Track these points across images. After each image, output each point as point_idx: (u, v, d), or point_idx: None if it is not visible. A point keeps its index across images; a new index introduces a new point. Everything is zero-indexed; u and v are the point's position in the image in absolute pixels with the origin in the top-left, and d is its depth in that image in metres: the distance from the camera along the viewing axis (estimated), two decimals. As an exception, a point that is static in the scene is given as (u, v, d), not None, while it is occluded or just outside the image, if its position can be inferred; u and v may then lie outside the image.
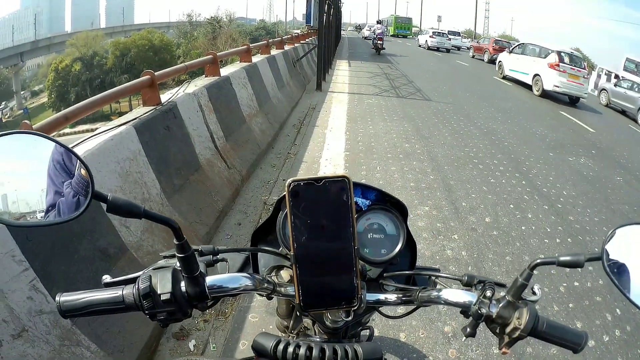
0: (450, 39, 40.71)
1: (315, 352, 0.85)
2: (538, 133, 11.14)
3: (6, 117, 49.57)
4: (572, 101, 17.61)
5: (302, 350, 0.85)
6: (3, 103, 50.32)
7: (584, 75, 17.28)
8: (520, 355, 3.32)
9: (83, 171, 0.83)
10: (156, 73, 4.75)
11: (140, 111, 4.39)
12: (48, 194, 0.81)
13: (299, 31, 26.68)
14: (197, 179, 4.77)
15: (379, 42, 29.44)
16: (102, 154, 3.33)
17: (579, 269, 4.45)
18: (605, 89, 21.30)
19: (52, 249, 2.60)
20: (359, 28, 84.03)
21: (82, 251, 2.83)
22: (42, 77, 56.28)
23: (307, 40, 19.36)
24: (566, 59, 17.39)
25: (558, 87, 17.00)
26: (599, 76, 26.49)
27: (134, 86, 4.60)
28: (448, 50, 39.46)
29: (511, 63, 21.18)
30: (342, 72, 19.52)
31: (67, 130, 31.42)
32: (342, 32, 48.54)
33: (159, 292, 0.88)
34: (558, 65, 17.03)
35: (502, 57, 22.83)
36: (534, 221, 5.73)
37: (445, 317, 3.62)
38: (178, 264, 0.92)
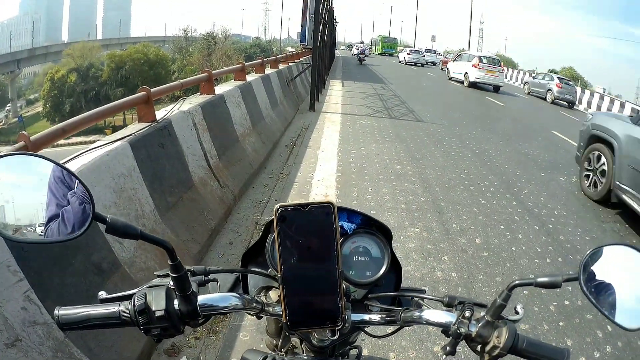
0: (424, 56, 51.93)
1: None
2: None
3: (1, 124, 49.49)
4: (495, 89, 26.48)
5: None
6: (4, 110, 50.26)
7: (499, 71, 26.49)
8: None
9: (82, 191, 0.88)
10: (152, 90, 4.79)
11: (136, 127, 4.42)
12: (49, 212, 0.86)
13: (293, 50, 26.89)
14: (190, 197, 4.80)
15: (361, 55, 41.80)
16: (97, 169, 3.36)
17: (569, 288, 4.51)
18: (527, 82, 31.92)
19: (47, 262, 2.63)
20: (350, 47, 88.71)
21: (77, 265, 2.86)
22: (37, 86, 56.41)
23: (301, 59, 19.51)
24: (484, 60, 26.57)
25: (478, 79, 26.21)
26: (601, 98, 27.60)
27: (130, 102, 4.64)
28: (423, 65, 49.16)
29: (453, 68, 30.77)
30: (335, 92, 19.69)
31: (62, 141, 31.27)
32: (336, 52, 48.87)
33: (153, 309, 0.93)
34: (478, 65, 26.12)
35: (449, 65, 32.95)
36: (524, 241, 5.79)
37: (434, 337, 3.64)
38: (171, 283, 0.97)
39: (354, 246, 1.24)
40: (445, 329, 1.01)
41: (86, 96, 49.27)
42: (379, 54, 70.01)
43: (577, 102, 27.62)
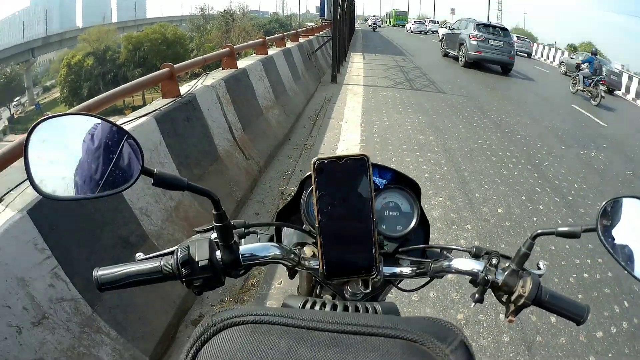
0: (427, 26, 60.91)
1: (339, 309, 0.90)
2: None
3: (18, 112, 49.86)
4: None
5: (327, 308, 0.91)
6: (16, 99, 50.54)
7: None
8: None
9: (132, 145, 0.89)
10: (175, 65, 4.82)
11: (160, 103, 4.47)
12: (99, 169, 0.87)
13: (313, 24, 26.66)
14: (216, 169, 4.84)
15: (374, 25, 56.68)
16: (123, 145, 3.39)
17: (588, 261, 4.51)
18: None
19: (74, 238, 2.65)
20: (366, 20, 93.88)
21: (104, 240, 2.90)
22: (54, 72, 56.26)
23: (321, 33, 19.35)
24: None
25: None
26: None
27: (153, 78, 4.68)
28: (425, 33, 57.18)
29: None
30: (356, 64, 19.53)
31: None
32: (356, 25, 48.82)
33: (196, 259, 0.94)
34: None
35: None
36: (545, 212, 5.79)
37: (458, 305, 3.69)
38: (213, 236, 1.00)
39: (385, 201, 1.27)
40: (473, 277, 1.04)
41: (104, 79, 49.14)
42: (392, 25, 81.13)
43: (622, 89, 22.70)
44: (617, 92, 22.00)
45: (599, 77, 16.61)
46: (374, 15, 67.96)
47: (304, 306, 0.93)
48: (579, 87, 17.60)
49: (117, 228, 3.06)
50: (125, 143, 0.89)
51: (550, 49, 36.15)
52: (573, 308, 0.98)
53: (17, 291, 2.16)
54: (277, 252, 1.06)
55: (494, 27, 21.67)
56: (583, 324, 0.99)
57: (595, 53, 18.60)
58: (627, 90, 22.75)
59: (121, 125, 0.89)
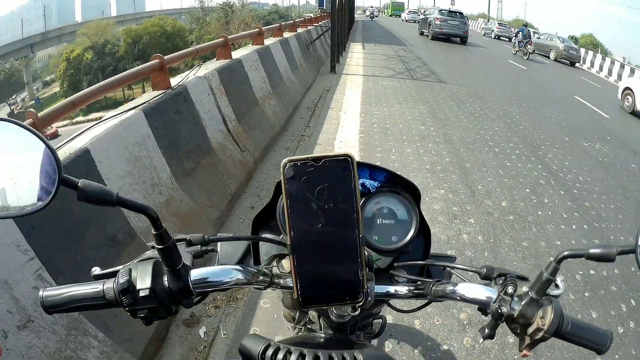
0: (420, 15, 57.99)
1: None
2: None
3: (17, 108, 49.82)
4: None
5: (292, 358, 0.75)
6: (13, 97, 50.49)
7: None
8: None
9: (48, 154, 0.72)
10: (165, 57, 4.67)
11: (150, 95, 4.32)
12: (13, 183, 0.72)
13: (312, 14, 26.55)
14: (208, 163, 4.71)
15: (371, 15, 62.14)
16: (110, 139, 3.27)
17: None
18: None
19: (59, 238, 2.55)
20: (364, 11, 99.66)
21: (90, 238, 2.78)
22: (53, 67, 56.27)
23: (320, 23, 19.19)
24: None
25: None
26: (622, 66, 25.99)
27: (143, 70, 4.53)
28: (418, 22, 58.68)
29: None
30: (356, 54, 19.37)
31: (80, 118, 31.60)
32: (356, 16, 48.90)
33: (138, 287, 0.79)
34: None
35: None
36: (550, 206, 5.65)
37: (460, 304, 3.52)
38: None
39: (378, 207, 1.11)
40: (482, 306, 0.86)
41: (104, 72, 48.98)
42: (389, 16, 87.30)
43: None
44: (578, 65, 28.83)
45: (526, 40, 25.74)
46: (372, 6, 75.36)
47: (263, 354, 0.77)
48: (516, 49, 26.72)
49: (104, 226, 2.94)
50: (41, 151, 0.72)
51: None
52: (595, 337, 0.80)
53: (1, 294, 2.08)
54: (240, 276, 0.89)
55: (452, 12, 29.90)
56: (605, 353, 0.81)
57: (525, 25, 28.89)
58: (590, 63, 29.25)
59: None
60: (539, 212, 5.39)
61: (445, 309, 3.48)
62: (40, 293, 0.81)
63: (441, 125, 8.60)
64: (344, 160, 0.77)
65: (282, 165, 0.76)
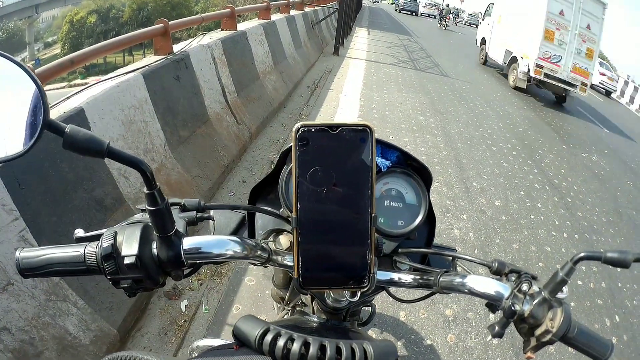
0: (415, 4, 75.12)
1: (312, 350, 0.67)
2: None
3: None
4: (415, 14, 45.93)
5: (295, 346, 0.67)
6: (12, 55, 50.40)
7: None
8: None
9: (36, 94, 0.65)
10: (170, 22, 4.55)
11: (151, 59, 4.23)
12: None
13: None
14: (204, 132, 4.64)
15: (376, 1, 70.70)
16: (106, 100, 3.19)
17: (583, 267, 4.38)
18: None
19: (45, 198, 2.47)
20: None
21: (77, 201, 2.71)
22: (56, 29, 55.76)
23: (328, 4, 19.06)
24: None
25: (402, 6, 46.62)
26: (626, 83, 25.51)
27: (146, 34, 4.39)
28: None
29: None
30: (361, 39, 19.27)
31: (79, 81, 31.37)
32: (364, 2, 49.14)
33: (122, 253, 0.72)
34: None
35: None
36: (543, 211, 5.63)
37: (447, 299, 3.52)
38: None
39: (386, 188, 1.04)
40: (493, 302, 0.81)
41: (106, 37, 48.43)
42: (390, 3, 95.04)
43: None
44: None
45: (443, 16, 39.11)
46: None
47: (262, 339, 0.69)
48: (438, 23, 39.94)
49: (92, 189, 2.86)
50: (26, 88, 0.64)
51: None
52: (598, 345, 0.76)
53: (-18, 254, 2.01)
54: (237, 248, 0.81)
55: None
56: None
57: (448, 5, 41.94)
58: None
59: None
60: (532, 216, 5.41)
61: (432, 303, 3.45)
62: (17, 254, 0.74)
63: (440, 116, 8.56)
64: (363, 131, 0.70)
65: (294, 130, 0.69)
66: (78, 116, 2.85)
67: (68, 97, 3.04)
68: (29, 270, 0.74)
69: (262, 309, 3.08)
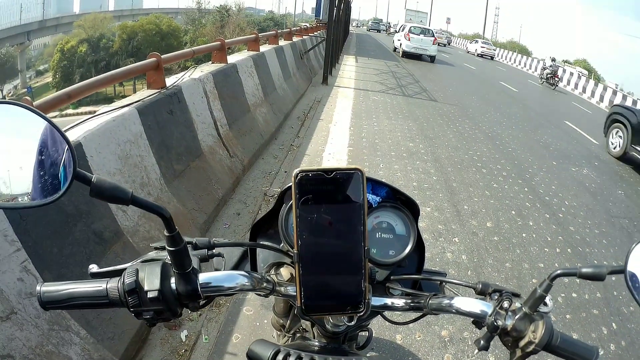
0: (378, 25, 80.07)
1: None
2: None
3: (9, 95, 49.33)
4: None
5: None
6: (5, 83, 50.13)
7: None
8: None
9: (64, 147, 0.73)
10: (163, 56, 4.66)
11: (144, 94, 4.30)
12: (28, 173, 0.72)
13: (307, 24, 26.66)
14: (198, 166, 4.70)
15: (357, 26, 71.25)
16: (102, 134, 3.25)
17: (577, 280, 4.41)
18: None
19: (46, 230, 2.52)
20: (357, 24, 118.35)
21: (77, 233, 2.75)
22: (47, 56, 55.81)
23: (315, 33, 19.27)
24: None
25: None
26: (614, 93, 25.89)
27: (139, 68, 4.50)
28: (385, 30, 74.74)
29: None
30: (349, 67, 19.50)
31: (70, 111, 31.33)
32: (351, 29, 49.38)
33: (145, 288, 0.80)
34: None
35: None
36: (535, 229, 5.69)
37: (442, 321, 3.56)
38: (169, 258, 0.83)
39: (377, 221, 1.12)
40: (478, 319, 0.90)
41: (96, 66, 48.74)
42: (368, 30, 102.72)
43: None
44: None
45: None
46: (356, 20, 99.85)
47: (273, 359, 0.78)
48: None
49: (91, 222, 2.90)
50: (57, 143, 0.73)
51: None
52: (583, 352, 0.83)
53: (-15, 284, 2.05)
54: (246, 281, 0.90)
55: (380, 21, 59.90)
56: None
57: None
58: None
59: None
60: (524, 234, 5.43)
61: (427, 325, 3.49)
62: (38, 288, 0.80)
63: (430, 144, 8.65)
64: (355, 174, 0.80)
65: (293, 175, 0.79)
66: (76, 151, 2.89)
67: (66, 131, 3.09)
68: (50, 303, 0.81)
69: (261, 337, 3.12)
